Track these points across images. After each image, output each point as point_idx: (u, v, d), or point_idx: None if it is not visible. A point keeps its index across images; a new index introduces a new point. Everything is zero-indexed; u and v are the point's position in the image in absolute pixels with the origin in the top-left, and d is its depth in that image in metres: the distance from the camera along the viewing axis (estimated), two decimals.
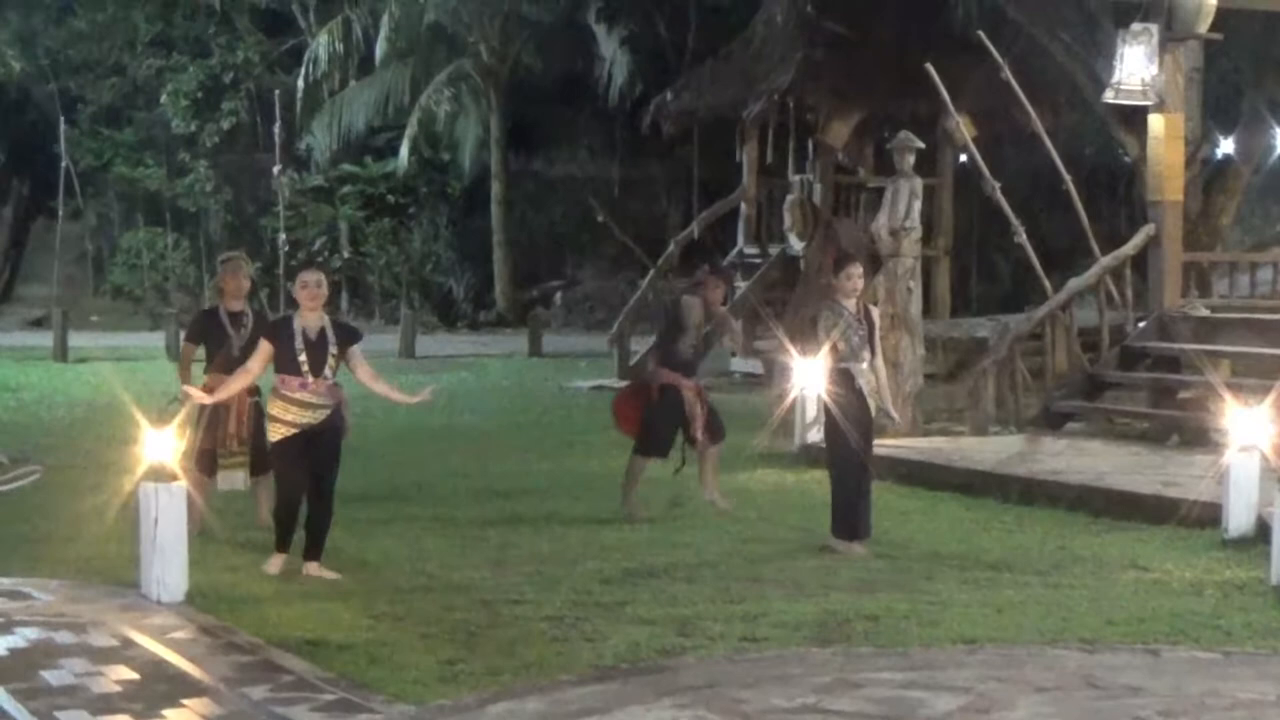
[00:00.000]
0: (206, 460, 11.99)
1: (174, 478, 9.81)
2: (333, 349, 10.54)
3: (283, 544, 10.77)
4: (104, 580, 10.38)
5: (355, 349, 10.73)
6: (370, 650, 8.60)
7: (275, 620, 9.29)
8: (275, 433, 10.60)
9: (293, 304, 10.89)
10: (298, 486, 10.68)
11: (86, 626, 8.98)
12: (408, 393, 11.54)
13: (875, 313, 12.30)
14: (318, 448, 10.62)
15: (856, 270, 12.04)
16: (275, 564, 10.72)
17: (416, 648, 8.69)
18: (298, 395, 10.51)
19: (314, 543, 10.76)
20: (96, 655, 8.36)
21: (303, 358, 10.48)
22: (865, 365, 11.91)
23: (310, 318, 10.62)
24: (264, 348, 10.69)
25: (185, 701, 7.50)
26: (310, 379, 10.49)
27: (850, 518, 11.84)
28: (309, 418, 10.53)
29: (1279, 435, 11.85)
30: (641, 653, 8.56)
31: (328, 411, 10.59)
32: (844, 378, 11.87)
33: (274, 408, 10.61)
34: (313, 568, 10.67)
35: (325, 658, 8.39)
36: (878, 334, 12.16)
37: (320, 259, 41.18)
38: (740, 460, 16.49)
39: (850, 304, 11.96)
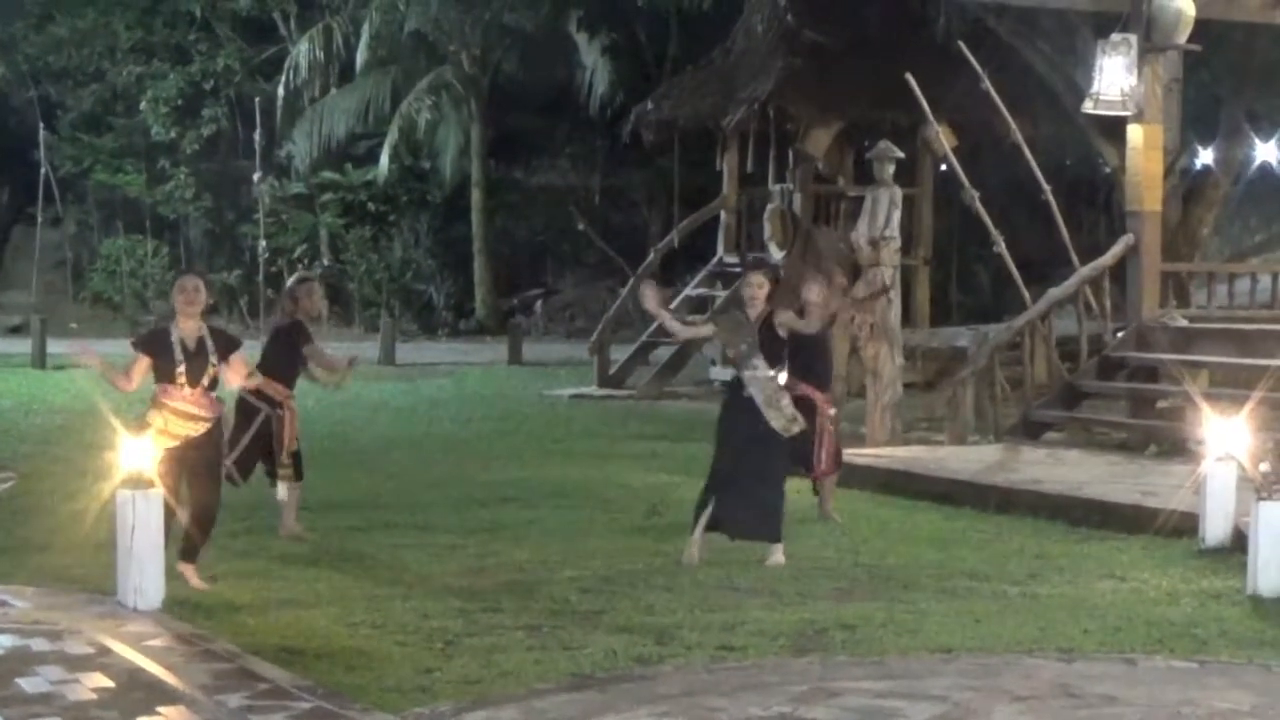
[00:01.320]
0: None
1: (151, 485, 9.79)
2: (212, 358, 10.48)
3: (187, 555, 10.67)
4: (80, 588, 10.35)
5: (235, 356, 10.71)
6: (347, 658, 8.59)
7: (252, 628, 9.29)
8: (158, 445, 10.39)
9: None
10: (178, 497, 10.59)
11: (62, 634, 8.95)
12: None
13: (780, 325, 11.77)
14: (194, 460, 10.53)
15: (754, 279, 11.85)
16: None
17: (394, 656, 8.68)
18: (176, 405, 10.42)
19: (188, 544, 10.65)
20: (72, 663, 8.33)
21: (181, 368, 10.39)
22: (758, 374, 11.57)
23: (188, 325, 10.53)
24: (140, 360, 10.56)
25: (161, 709, 7.48)
26: (188, 389, 10.41)
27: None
28: (190, 428, 10.46)
29: (1256, 445, 11.88)
30: (619, 661, 8.56)
31: (209, 423, 10.53)
32: (735, 385, 11.80)
33: (155, 419, 10.43)
34: (187, 570, 10.59)
35: (302, 666, 8.38)
36: (784, 346, 11.77)
37: (300, 266, 41.21)
38: None
39: (751, 312, 11.77)
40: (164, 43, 42.65)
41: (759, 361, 11.56)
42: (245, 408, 12.23)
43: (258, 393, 12.06)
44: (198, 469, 10.57)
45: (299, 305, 12.73)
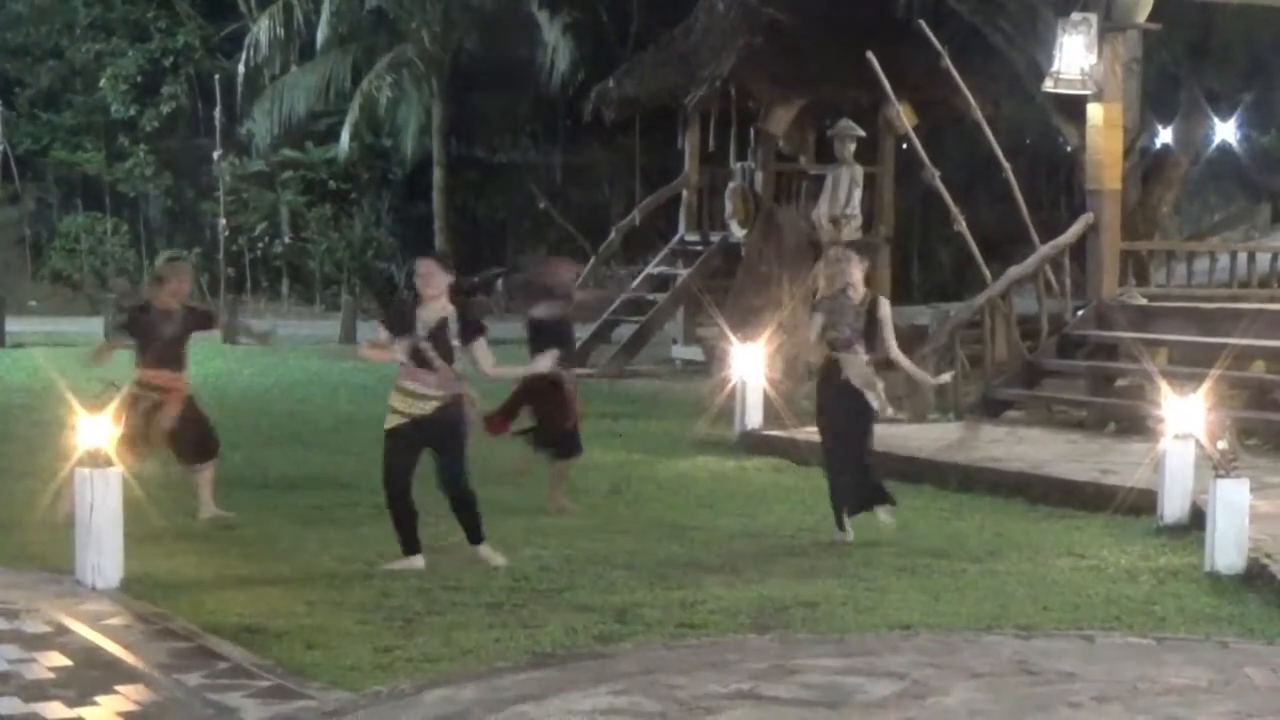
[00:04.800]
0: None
1: (109, 463, 9.75)
2: (454, 340, 10.55)
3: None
4: (39, 566, 10.30)
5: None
6: (307, 636, 8.57)
7: (211, 607, 9.25)
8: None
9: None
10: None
11: (20, 613, 8.91)
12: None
13: (884, 305, 11.96)
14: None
15: (857, 259, 11.95)
16: None
17: (353, 634, 8.66)
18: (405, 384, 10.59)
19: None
20: (30, 642, 8.30)
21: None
22: (858, 357, 11.66)
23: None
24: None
25: (119, 688, 7.46)
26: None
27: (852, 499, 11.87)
28: (419, 407, 10.55)
29: (1214, 423, 11.94)
30: (579, 639, 8.57)
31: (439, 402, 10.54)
32: (831, 369, 11.79)
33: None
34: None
35: (261, 644, 8.35)
36: (886, 326, 11.84)
37: (261, 244, 41.11)
38: (680, 447, 16.53)
39: (855, 296, 11.76)
40: (123, 19, 42.41)
41: (860, 346, 11.68)
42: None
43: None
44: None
45: (164, 287, 12.52)
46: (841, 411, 11.79)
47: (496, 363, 10.90)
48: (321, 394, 22.34)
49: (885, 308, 11.94)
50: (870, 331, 11.74)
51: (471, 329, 10.62)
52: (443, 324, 10.50)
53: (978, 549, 11.37)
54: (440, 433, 10.56)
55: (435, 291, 10.51)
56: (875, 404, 11.79)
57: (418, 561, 10.56)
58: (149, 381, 12.17)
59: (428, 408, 10.49)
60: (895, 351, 11.97)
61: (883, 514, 11.79)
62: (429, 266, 10.69)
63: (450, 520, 12.35)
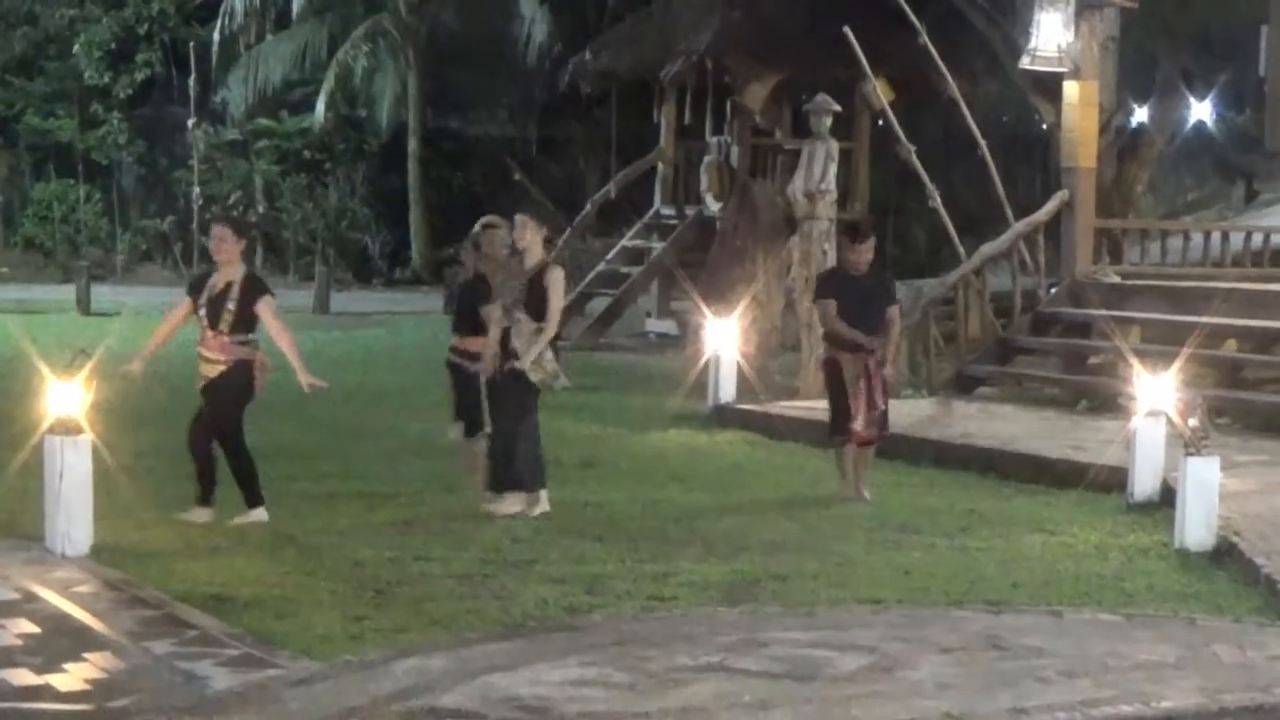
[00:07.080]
0: None
1: (80, 430, 9.72)
2: (230, 304, 10.81)
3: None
4: (7, 534, 10.27)
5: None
6: (277, 606, 8.56)
7: (181, 575, 9.23)
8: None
9: (206, 258, 10.95)
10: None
11: None
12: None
13: (552, 274, 11.41)
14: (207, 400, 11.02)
15: (519, 220, 11.55)
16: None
17: (324, 604, 8.66)
18: (198, 349, 10.98)
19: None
20: None
21: (202, 311, 10.87)
22: (521, 326, 11.28)
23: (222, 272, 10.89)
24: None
25: (87, 655, 7.45)
26: (208, 333, 10.89)
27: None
28: (204, 370, 10.98)
29: (1185, 401, 11.96)
30: (549, 611, 8.58)
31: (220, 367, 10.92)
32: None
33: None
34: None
35: (231, 613, 8.34)
36: (552, 296, 11.34)
37: (235, 213, 40.97)
38: (653, 421, 16.54)
39: (527, 262, 11.50)
40: None
41: (521, 314, 11.35)
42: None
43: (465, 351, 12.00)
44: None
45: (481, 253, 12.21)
46: (507, 384, 11.40)
47: (283, 327, 11.23)
48: (291, 366, 22.24)
49: (552, 276, 11.42)
50: (535, 300, 11.32)
51: (251, 292, 10.92)
52: (226, 289, 10.84)
53: (949, 525, 11.39)
54: (212, 394, 11.00)
55: (226, 257, 10.92)
56: (534, 376, 11.29)
57: (204, 515, 10.92)
58: (466, 349, 12.06)
59: (211, 371, 10.95)
60: (550, 325, 11.34)
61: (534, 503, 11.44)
62: (220, 231, 11.03)
63: (419, 491, 12.38)
